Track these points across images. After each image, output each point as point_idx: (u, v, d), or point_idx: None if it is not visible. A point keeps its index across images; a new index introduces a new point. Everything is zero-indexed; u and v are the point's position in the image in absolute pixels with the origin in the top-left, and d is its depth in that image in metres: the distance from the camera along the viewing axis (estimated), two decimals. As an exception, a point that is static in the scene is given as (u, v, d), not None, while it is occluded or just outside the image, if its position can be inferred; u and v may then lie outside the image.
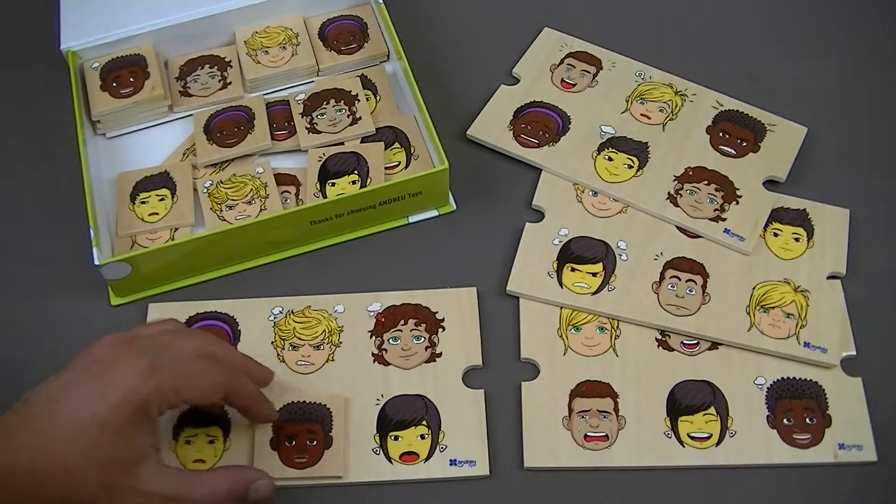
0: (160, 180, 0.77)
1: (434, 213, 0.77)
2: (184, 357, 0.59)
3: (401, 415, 0.67)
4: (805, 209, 0.76)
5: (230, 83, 0.83)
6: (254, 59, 0.83)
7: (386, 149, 0.78)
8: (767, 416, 0.67)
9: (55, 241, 0.76)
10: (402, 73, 0.81)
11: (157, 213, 0.75)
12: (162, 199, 0.76)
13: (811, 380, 0.68)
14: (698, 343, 0.70)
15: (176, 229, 0.75)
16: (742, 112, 0.81)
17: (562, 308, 0.72)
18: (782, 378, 0.68)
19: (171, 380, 0.56)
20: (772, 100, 0.82)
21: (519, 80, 0.84)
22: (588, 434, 0.66)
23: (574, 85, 0.83)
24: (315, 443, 0.65)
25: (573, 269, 0.73)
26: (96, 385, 0.55)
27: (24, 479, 0.52)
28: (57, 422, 0.54)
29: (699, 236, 0.75)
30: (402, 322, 0.71)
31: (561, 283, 0.72)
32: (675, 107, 0.82)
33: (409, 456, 0.66)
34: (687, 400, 0.67)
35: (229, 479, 0.59)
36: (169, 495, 0.56)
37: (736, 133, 0.80)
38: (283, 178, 0.78)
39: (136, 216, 0.75)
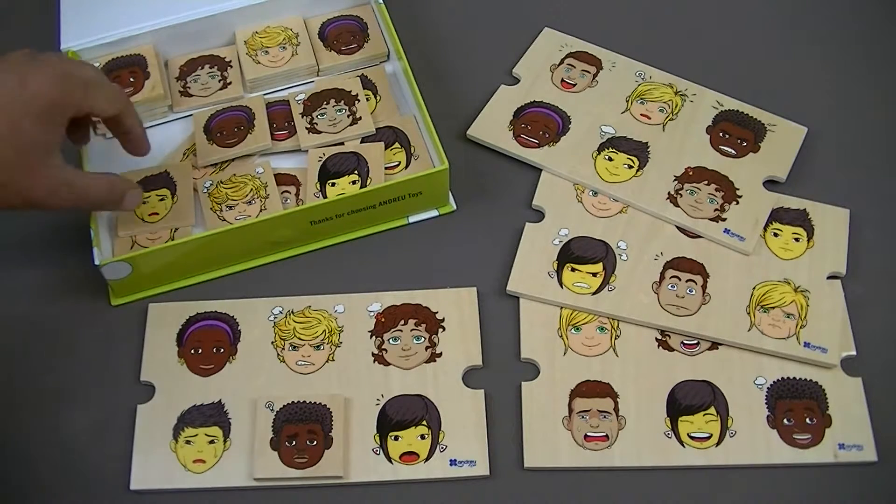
0: (160, 180, 0.77)
1: (434, 213, 0.77)
2: (87, 71, 0.66)
3: (401, 415, 0.67)
4: (805, 209, 0.76)
5: (230, 83, 0.83)
6: (254, 59, 0.83)
7: (386, 149, 0.78)
8: (767, 416, 0.67)
9: (55, 241, 0.76)
10: (402, 73, 0.81)
11: (157, 214, 0.75)
12: (162, 199, 0.76)
13: (811, 380, 0.68)
14: (698, 343, 0.70)
15: (176, 229, 0.75)
16: (742, 112, 0.81)
17: (562, 308, 0.72)
18: (782, 378, 0.68)
19: (80, 86, 0.64)
20: (772, 100, 0.82)
21: (519, 80, 0.84)
22: (588, 434, 0.66)
23: (574, 85, 0.83)
24: (315, 443, 0.65)
25: (573, 269, 0.73)
26: (16, 76, 0.61)
27: None
28: None
29: (699, 236, 0.75)
30: (403, 322, 0.71)
31: (561, 283, 0.72)
32: (675, 107, 0.82)
33: (409, 456, 0.66)
34: (687, 400, 0.67)
35: (106, 180, 0.69)
36: (66, 184, 0.65)
37: (736, 133, 0.80)
38: (283, 178, 0.78)
39: (136, 216, 0.75)
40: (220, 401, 0.68)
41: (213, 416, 0.67)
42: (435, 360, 0.69)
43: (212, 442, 0.66)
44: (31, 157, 0.62)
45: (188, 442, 0.66)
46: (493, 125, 0.80)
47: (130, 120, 0.70)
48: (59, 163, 0.65)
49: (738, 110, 0.81)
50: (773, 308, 0.71)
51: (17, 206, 0.64)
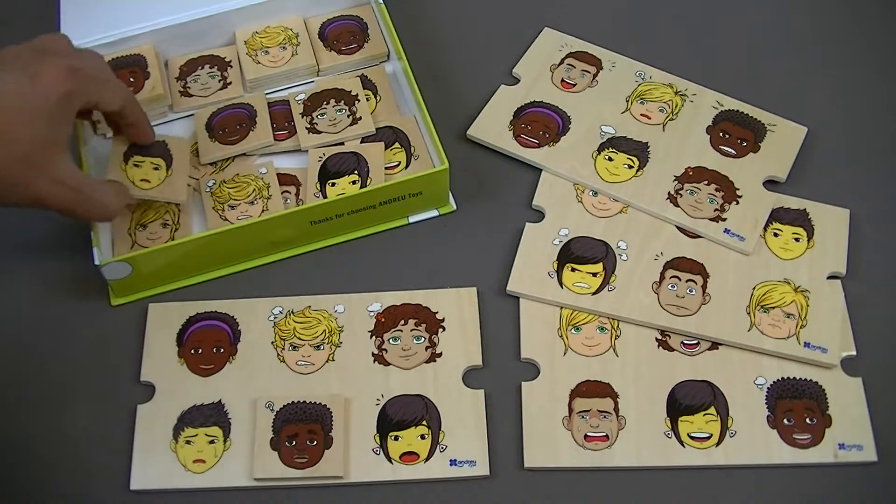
0: (157, 148, 0.75)
1: (434, 213, 0.77)
2: (95, 66, 0.67)
3: (401, 415, 0.67)
4: (805, 209, 0.76)
5: (230, 83, 0.83)
6: (254, 59, 0.83)
7: (386, 149, 0.78)
8: (767, 416, 0.67)
9: (55, 241, 0.76)
10: (402, 73, 0.81)
11: (148, 181, 0.73)
12: (156, 169, 0.74)
13: (811, 380, 0.68)
14: (698, 343, 0.70)
15: (176, 229, 0.75)
16: (742, 112, 0.81)
17: (562, 308, 0.72)
18: (782, 378, 0.68)
19: (88, 81, 0.64)
20: (772, 100, 0.82)
21: (519, 80, 0.84)
22: (588, 434, 0.66)
23: (574, 85, 0.83)
24: (315, 443, 0.65)
25: (573, 269, 0.73)
26: (27, 75, 0.61)
27: None
28: None
29: (699, 236, 0.75)
30: (403, 322, 0.71)
31: (561, 283, 0.72)
32: (675, 107, 0.82)
33: (409, 456, 0.66)
34: (687, 400, 0.67)
35: (118, 192, 0.70)
36: (74, 187, 0.65)
37: (736, 133, 0.80)
38: (283, 178, 0.77)
39: (126, 177, 0.73)
40: (220, 401, 0.68)
41: (213, 416, 0.67)
42: (435, 360, 0.69)
43: (212, 442, 0.66)
44: (45, 153, 0.62)
45: (188, 442, 0.66)
46: (493, 125, 0.80)
47: (135, 112, 0.71)
48: (70, 162, 0.65)
49: (738, 110, 0.81)
50: (773, 308, 0.71)
51: (26, 204, 0.64)
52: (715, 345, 0.70)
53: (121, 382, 0.70)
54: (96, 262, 0.69)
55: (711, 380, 0.68)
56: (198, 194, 0.77)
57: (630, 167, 0.78)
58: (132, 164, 0.74)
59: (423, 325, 0.71)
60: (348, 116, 0.80)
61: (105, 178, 0.72)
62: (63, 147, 0.64)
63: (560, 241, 0.74)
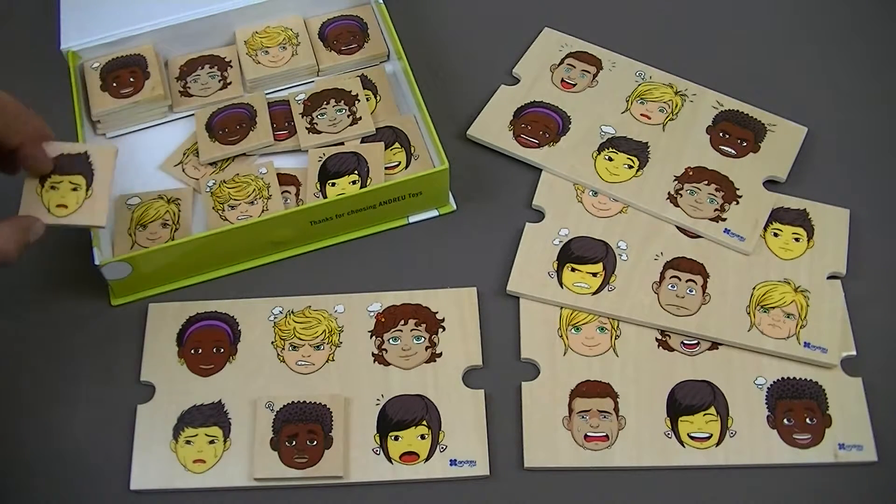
0: (77, 163, 0.66)
1: (434, 213, 0.77)
2: None
3: (401, 415, 0.67)
4: (805, 209, 0.76)
5: (230, 83, 0.83)
6: (254, 59, 0.83)
7: (386, 149, 0.78)
8: (767, 416, 0.67)
9: (55, 241, 0.76)
10: (402, 73, 0.81)
11: (64, 206, 0.65)
12: (75, 189, 0.66)
13: (811, 380, 0.68)
14: (698, 343, 0.70)
15: (176, 230, 0.75)
16: (742, 112, 0.81)
17: (562, 308, 0.72)
18: (782, 378, 0.68)
19: None
20: (772, 100, 0.82)
21: (519, 80, 0.84)
22: (588, 434, 0.66)
23: (574, 85, 0.83)
24: (315, 443, 0.65)
25: (573, 269, 0.73)
26: None
27: None
28: None
29: (699, 236, 0.75)
30: (403, 322, 0.71)
31: (561, 283, 0.72)
32: (675, 107, 0.82)
33: (409, 456, 0.66)
34: (687, 400, 0.67)
35: (15, 230, 0.62)
36: None
37: (736, 133, 0.80)
38: (283, 178, 0.78)
39: (41, 202, 0.65)
40: (220, 401, 0.68)
41: (213, 416, 0.67)
42: (435, 360, 0.69)
43: (212, 442, 0.66)
44: None
45: (188, 442, 0.66)
46: (493, 125, 0.80)
47: (31, 149, 0.64)
48: None
49: (738, 110, 0.81)
50: (773, 308, 0.71)
51: None
52: (715, 345, 0.70)
53: (121, 382, 0.70)
54: (96, 262, 0.69)
55: (711, 380, 0.68)
56: (198, 194, 0.77)
57: (630, 167, 0.78)
58: (49, 187, 0.66)
59: (423, 326, 0.71)
60: (348, 116, 0.80)
61: (20, 205, 0.65)
62: None
63: (560, 241, 0.74)
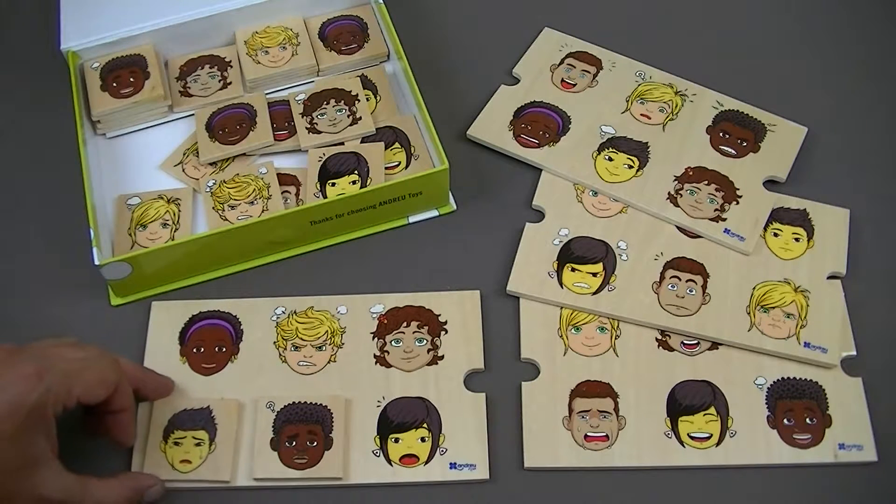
0: (200, 417, 0.67)
1: (434, 213, 0.77)
2: (69, 359, 0.58)
3: (401, 417, 0.67)
4: (805, 209, 0.76)
5: (230, 83, 0.83)
6: (254, 59, 0.83)
7: (386, 149, 0.78)
8: (767, 416, 0.67)
9: (55, 241, 0.76)
10: (402, 73, 0.81)
11: (188, 462, 0.65)
12: (198, 444, 0.66)
13: (811, 380, 0.68)
14: (698, 343, 0.70)
15: (176, 230, 0.75)
16: (742, 112, 0.81)
17: (562, 308, 0.72)
18: (782, 378, 0.68)
19: (61, 379, 0.56)
20: (772, 100, 0.82)
21: (519, 80, 0.84)
22: (588, 434, 0.66)
23: (574, 85, 0.83)
24: (315, 444, 0.66)
25: (573, 270, 0.73)
26: None
27: None
28: None
29: (699, 236, 0.75)
30: (405, 324, 0.71)
31: (561, 284, 0.72)
32: (675, 107, 0.82)
33: (409, 458, 0.66)
34: (687, 400, 0.68)
35: (124, 487, 0.61)
36: (61, 500, 0.57)
37: (736, 133, 0.80)
38: (283, 178, 0.77)
39: (166, 458, 0.65)
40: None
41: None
42: (436, 363, 0.69)
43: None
44: (13, 482, 0.54)
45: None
46: (493, 125, 0.80)
47: (122, 399, 0.61)
48: (56, 473, 0.57)
49: (738, 110, 0.81)
50: (773, 308, 0.71)
51: None
52: (715, 345, 0.70)
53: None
54: (96, 262, 0.69)
55: (711, 380, 0.68)
56: (198, 194, 0.77)
57: (630, 167, 0.78)
58: (172, 443, 0.66)
59: (426, 328, 0.71)
60: (348, 116, 0.80)
61: (139, 456, 0.65)
62: (43, 460, 0.56)
63: (560, 241, 0.74)
